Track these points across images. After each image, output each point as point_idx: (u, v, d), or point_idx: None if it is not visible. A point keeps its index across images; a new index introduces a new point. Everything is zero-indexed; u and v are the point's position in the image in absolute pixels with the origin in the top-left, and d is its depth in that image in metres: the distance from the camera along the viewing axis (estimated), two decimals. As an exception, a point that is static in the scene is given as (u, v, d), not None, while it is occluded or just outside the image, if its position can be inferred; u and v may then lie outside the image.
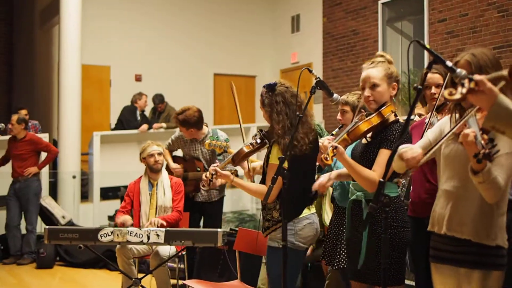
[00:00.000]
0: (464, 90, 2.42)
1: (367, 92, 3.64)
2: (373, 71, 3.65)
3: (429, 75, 4.37)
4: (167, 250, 5.68)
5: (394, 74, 3.66)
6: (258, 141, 4.36)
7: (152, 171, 6.19)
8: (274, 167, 3.97)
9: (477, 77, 2.39)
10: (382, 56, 3.71)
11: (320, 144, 3.99)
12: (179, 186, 6.21)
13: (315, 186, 3.74)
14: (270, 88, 4.15)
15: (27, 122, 9.41)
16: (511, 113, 2.27)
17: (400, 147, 3.12)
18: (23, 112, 10.58)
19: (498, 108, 2.30)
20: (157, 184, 6.16)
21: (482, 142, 2.56)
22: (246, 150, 4.43)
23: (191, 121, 6.38)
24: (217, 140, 5.36)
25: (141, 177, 6.28)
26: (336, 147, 3.45)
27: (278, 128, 4.07)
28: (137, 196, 6.17)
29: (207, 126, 6.70)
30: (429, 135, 3.26)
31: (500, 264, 3.01)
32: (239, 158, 4.48)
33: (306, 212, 4.15)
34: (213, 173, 4.27)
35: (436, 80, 4.24)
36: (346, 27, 12.23)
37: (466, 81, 2.43)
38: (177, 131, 6.82)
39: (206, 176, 4.33)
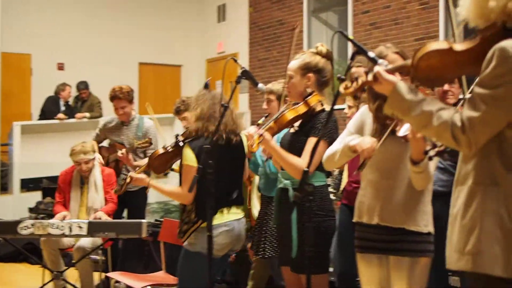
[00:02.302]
0: (359, 84, 2.53)
1: (286, 83, 3.74)
2: (292, 62, 3.75)
3: (355, 68, 4.40)
4: (90, 242, 5.59)
5: (310, 64, 3.68)
6: (173, 144, 4.34)
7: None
8: (187, 168, 4.00)
9: (375, 69, 2.46)
10: (316, 47, 3.75)
11: (246, 133, 3.98)
12: (112, 177, 6.10)
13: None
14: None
15: None
16: (404, 102, 2.32)
17: (348, 139, 3.13)
18: None
19: (394, 97, 2.36)
20: (88, 182, 6.01)
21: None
22: (160, 151, 4.39)
23: (124, 90, 6.34)
24: (139, 139, 5.38)
25: (74, 166, 6.11)
26: (262, 135, 3.46)
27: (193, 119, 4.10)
28: (68, 188, 6.01)
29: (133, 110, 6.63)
30: (350, 127, 3.30)
31: (429, 250, 3.11)
32: (152, 160, 4.44)
33: (226, 218, 4.10)
34: (128, 179, 4.26)
35: (361, 73, 4.29)
36: (272, 17, 12.26)
37: (363, 75, 2.52)
38: (101, 122, 6.74)
39: (120, 183, 4.33)
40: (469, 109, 2.18)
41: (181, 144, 4.26)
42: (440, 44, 2.28)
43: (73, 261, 5.61)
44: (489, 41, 2.19)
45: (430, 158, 2.65)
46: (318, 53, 3.72)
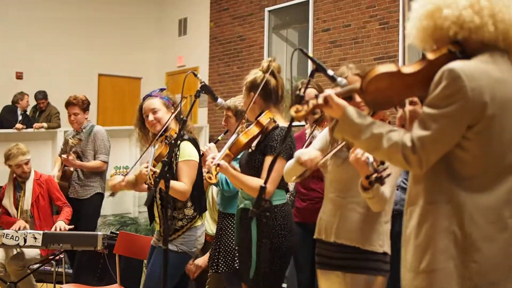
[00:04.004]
0: (310, 107, 2.42)
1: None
2: None
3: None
4: (31, 253, 5.53)
5: (248, 83, 3.71)
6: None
7: (21, 177, 5.98)
8: (191, 163, 4.03)
9: (326, 92, 2.41)
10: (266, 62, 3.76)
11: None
12: (51, 181, 6.04)
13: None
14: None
15: None
16: (354, 126, 2.32)
17: (296, 153, 3.16)
18: None
19: (344, 121, 2.35)
20: (25, 188, 5.95)
21: (375, 164, 2.65)
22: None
23: (79, 98, 6.52)
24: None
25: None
26: (219, 165, 3.44)
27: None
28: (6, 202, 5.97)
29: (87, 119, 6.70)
30: (316, 144, 3.31)
31: (385, 270, 3.13)
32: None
33: (201, 219, 4.19)
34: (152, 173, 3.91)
35: (311, 95, 4.28)
36: (232, 32, 12.31)
37: (313, 99, 2.44)
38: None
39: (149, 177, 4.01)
40: (419, 129, 2.21)
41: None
42: (388, 67, 2.28)
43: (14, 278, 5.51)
44: (436, 63, 2.24)
45: (371, 184, 2.69)
46: (260, 69, 3.73)
